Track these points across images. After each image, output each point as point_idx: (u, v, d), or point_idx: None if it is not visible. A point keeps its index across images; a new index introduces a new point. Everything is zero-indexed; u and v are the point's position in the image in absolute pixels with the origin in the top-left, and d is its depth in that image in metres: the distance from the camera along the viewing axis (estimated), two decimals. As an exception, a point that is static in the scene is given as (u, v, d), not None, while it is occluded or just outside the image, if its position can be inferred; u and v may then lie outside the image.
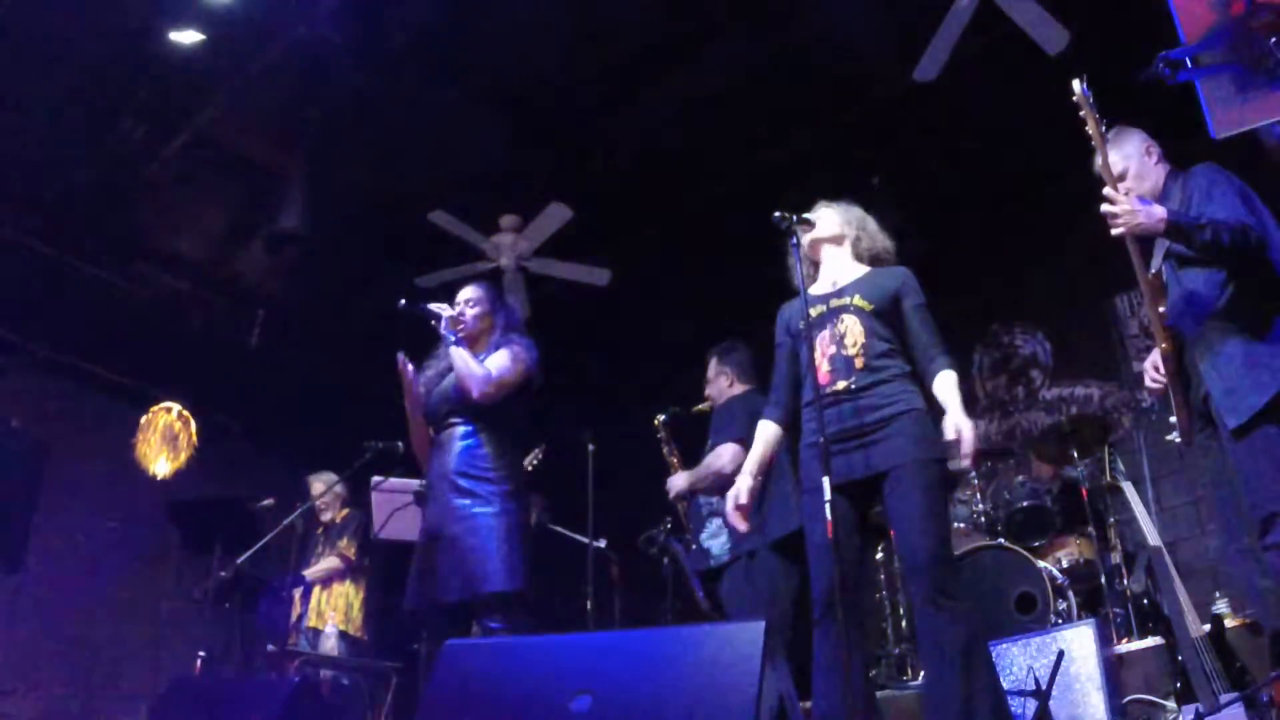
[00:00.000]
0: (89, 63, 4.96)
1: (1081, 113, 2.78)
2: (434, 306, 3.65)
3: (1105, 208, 2.74)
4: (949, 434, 2.79)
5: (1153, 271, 2.91)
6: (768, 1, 4.96)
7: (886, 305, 3.01)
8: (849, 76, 5.43)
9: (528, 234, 6.12)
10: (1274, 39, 3.10)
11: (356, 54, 5.01)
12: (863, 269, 3.18)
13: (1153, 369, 3.00)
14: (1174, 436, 2.99)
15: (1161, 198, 2.93)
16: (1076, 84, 2.78)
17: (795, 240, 3.09)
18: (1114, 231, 2.74)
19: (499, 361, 3.56)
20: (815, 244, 3.21)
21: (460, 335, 3.59)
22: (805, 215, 3.18)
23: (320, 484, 5.61)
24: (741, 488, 3.02)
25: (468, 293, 3.79)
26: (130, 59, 4.96)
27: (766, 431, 3.14)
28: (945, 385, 2.89)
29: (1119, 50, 3.76)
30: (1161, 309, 2.87)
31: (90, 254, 6.13)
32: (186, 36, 4.80)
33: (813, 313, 3.02)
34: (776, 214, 3.04)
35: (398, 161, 5.77)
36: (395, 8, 4.86)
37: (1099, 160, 2.80)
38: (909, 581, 2.83)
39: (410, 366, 3.68)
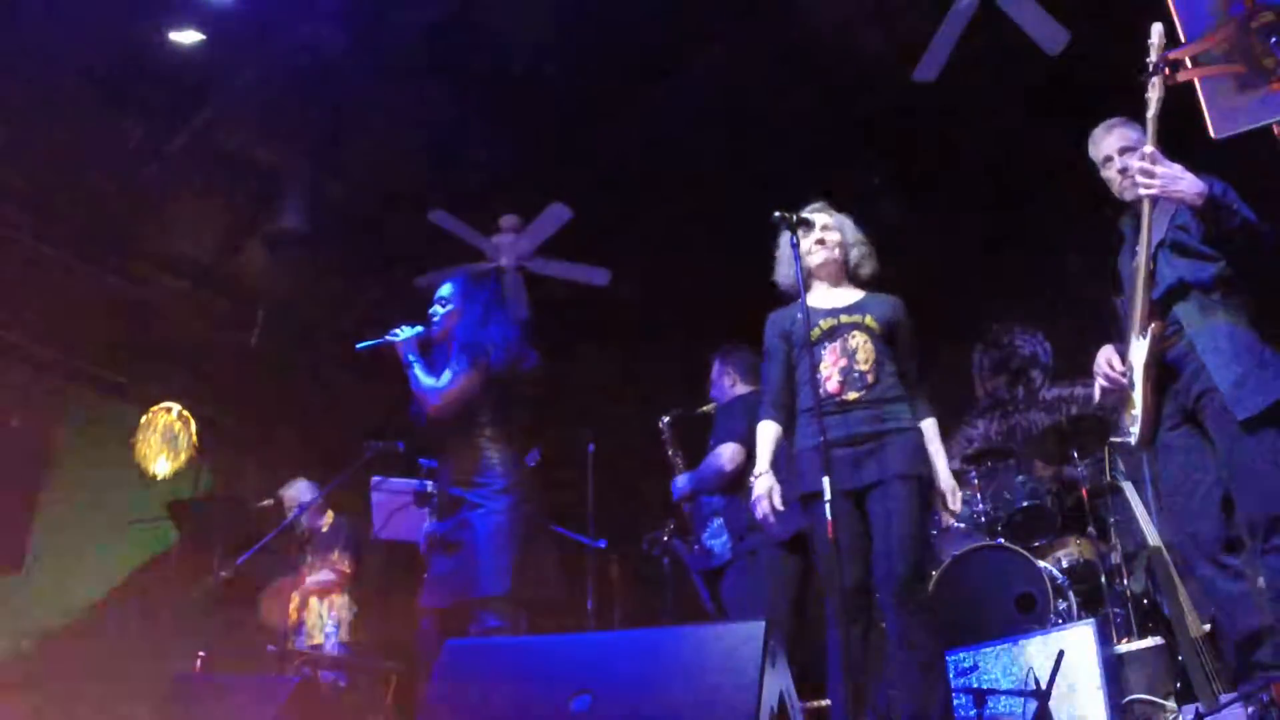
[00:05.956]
0: (89, 63, 4.95)
1: (1153, 57, 2.75)
2: (388, 336, 3.69)
3: (1143, 165, 2.73)
4: (943, 486, 3.05)
5: (1145, 259, 2.89)
6: (768, 2, 4.96)
7: (890, 331, 3.14)
8: (850, 77, 5.43)
9: (528, 234, 6.11)
10: (1274, 39, 3.09)
11: (356, 54, 5.01)
12: (860, 291, 3.26)
13: (1107, 365, 2.99)
14: (1128, 438, 2.94)
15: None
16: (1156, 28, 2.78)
17: (795, 240, 3.10)
18: (1144, 191, 2.74)
19: (448, 373, 3.57)
20: (827, 262, 3.26)
21: (418, 353, 3.63)
22: (805, 215, 3.19)
23: (294, 492, 5.58)
24: (769, 488, 3.04)
25: (443, 291, 3.82)
26: (130, 59, 4.96)
27: (771, 431, 3.18)
28: (931, 435, 3.11)
29: (1118, 50, 3.75)
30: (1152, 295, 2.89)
31: (91, 254, 6.12)
32: (186, 36, 4.80)
33: (823, 324, 3.10)
34: (776, 213, 3.06)
35: (398, 161, 5.77)
36: (395, 8, 4.85)
37: (1152, 109, 2.77)
38: (880, 585, 2.92)
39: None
